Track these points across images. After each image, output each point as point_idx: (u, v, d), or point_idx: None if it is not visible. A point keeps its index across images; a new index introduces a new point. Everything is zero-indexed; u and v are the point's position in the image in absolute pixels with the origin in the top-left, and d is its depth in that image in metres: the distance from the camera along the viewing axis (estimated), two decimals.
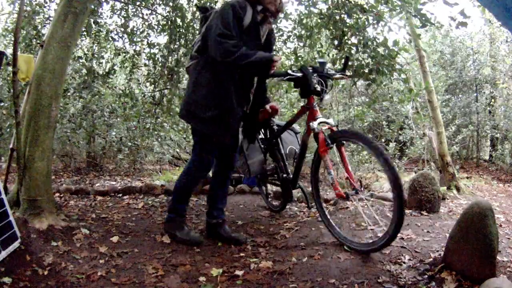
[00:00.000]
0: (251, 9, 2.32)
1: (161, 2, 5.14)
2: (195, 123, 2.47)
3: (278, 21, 4.60)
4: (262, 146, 3.04)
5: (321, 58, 3.97)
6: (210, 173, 2.90)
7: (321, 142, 2.31)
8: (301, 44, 4.61)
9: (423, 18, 3.32)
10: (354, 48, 3.80)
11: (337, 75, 2.49)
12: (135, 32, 5.33)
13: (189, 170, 2.60)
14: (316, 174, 2.66)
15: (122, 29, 5.30)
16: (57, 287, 1.93)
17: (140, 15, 5.40)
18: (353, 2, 3.81)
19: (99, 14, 5.07)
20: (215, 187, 2.78)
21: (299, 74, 2.37)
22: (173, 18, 4.96)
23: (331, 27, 3.98)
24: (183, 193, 2.63)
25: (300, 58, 4.82)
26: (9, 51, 4.94)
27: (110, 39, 5.51)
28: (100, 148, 6.82)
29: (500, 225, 2.82)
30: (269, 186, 3.77)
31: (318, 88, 2.33)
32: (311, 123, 2.37)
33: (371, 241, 2.26)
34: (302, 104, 6.57)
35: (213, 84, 2.32)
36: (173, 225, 2.63)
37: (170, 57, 5.09)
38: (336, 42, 3.92)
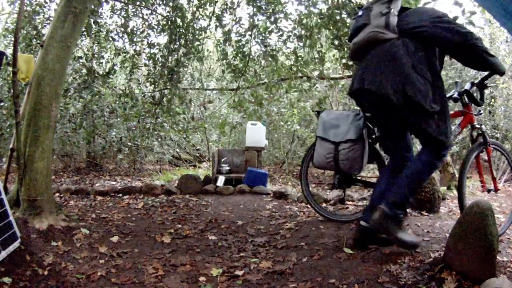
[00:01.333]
0: None
1: (161, 2, 5.14)
2: (417, 116, 2.06)
3: (278, 21, 4.60)
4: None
5: None
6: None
7: (489, 142, 2.56)
8: (301, 44, 4.61)
9: None
10: None
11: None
12: (135, 32, 5.33)
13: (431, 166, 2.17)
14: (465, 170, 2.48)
15: (122, 29, 5.30)
16: (57, 287, 1.93)
17: (140, 15, 5.40)
18: (354, 3, 3.81)
19: (99, 14, 5.07)
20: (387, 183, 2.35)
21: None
22: (173, 18, 4.96)
23: (331, 27, 3.98)
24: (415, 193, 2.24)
25: (300, 58, 4.82)
26: (9, 51, 4.94)
27: (110, 39, 5.51)
28: (100, 148, 6.83)
29: (500, 225, 2.82)
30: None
31: (478, 98, 2.58)
32: (482, 126, 2.59)
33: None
34: (302, 104, 6.58)
35: (430, 74, 2.08)
36: (395, 224, 2.12)
37: (170, 57, 5.09)
38: (336, 42, 3.93)
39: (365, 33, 2.22)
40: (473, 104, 2.60)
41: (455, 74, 8.87)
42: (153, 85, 5.36)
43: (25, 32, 4.75)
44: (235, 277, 2.08)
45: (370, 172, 6.01)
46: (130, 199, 4.02)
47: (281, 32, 4.69)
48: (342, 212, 3.24)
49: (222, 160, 4.86)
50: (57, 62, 2.74)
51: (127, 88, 5.63)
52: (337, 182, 2.90)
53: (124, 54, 5.60)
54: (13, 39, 3.36)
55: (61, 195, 4.11)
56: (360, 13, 2.31)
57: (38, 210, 2.59)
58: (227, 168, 4.79)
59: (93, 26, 5.07)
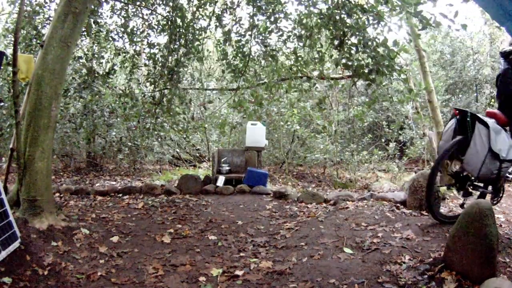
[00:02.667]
0: None
1: (161, 2, 5.14)
2: None
3: (278, 21, 4.60)
4: None
5: None
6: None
7: None
8: (301, 44, 4.60)
9: (426, 20, 3.33)
10: (354, 48, 3.80)
11: None
12: (135, 32, 5.33)
13: None
14: None
15: (122, 29, 5.30)
16: (57, 287, 1.93)
17: (140, 15, 5.40)
18: (353, 2, 3.81)
19: (99, 14, 5.07)
20: None
21: None
22: (173, 18, 4.96)
23: (331, 27, 3.98)
24: None
25: (300, 58, 4.82)
26: (9, 51, 4.94)
27: (110, 39, 5.51)
28: (100, 148, 6.83)
29: (500, 225, 2.82)
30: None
31: None
32: None
33: None
34: (301, 104, 6.59)
35: None
36: None
37: (170, 57, 5.09)
38: (336, 42, 3.92)
39: None
40: None
41: (455, 74, 8.89)
42: (153, 85, 5.36)
43: (25, 32, 4.75)
44: (235, 277, 2.08)
45: None
46: (130, 199, 4.02)
47: (281, 32, 4.68)
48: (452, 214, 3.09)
49: (222, 160, 4.87)
50: (57, 62, 2.74)
51: (127, 88, 5.63)
52: (471, 187, 2.83)
53: (124, 54, 5.60)
54: (13, 39, 3.35)
55: (61, 195, 4.11)
56: None
57: (38, 210, 2.59)
58: (227, 168, 4.79)
59: (93, 26, 5.06)
